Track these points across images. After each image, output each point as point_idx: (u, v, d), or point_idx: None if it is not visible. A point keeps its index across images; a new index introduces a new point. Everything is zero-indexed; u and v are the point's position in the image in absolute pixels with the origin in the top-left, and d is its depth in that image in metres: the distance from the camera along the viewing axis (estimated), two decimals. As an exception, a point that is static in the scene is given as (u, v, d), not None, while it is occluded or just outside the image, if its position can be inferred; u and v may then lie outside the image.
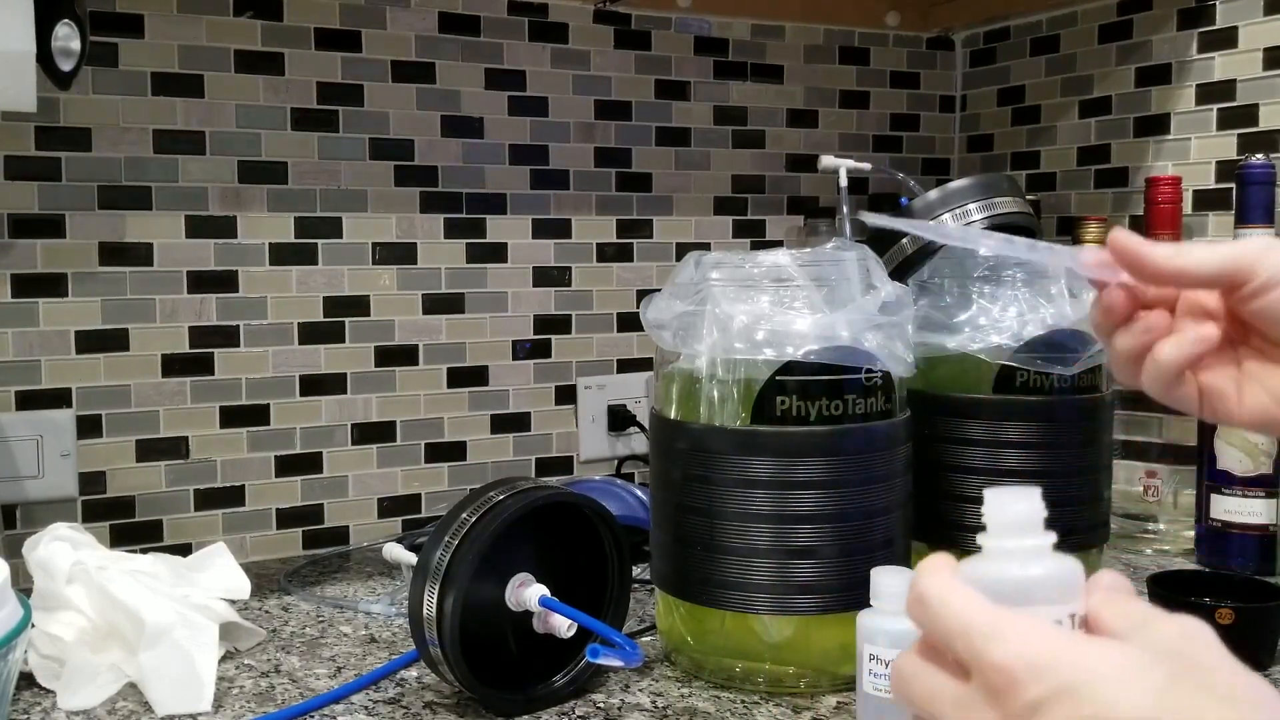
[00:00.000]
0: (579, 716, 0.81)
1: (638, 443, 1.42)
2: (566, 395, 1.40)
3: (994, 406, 0.98)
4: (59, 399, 1.15)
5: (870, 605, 0.73)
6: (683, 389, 0.86)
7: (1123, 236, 0.56)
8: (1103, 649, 0.39)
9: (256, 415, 1.23)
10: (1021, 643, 0.39)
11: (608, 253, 1.41)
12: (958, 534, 0.98)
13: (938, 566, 0.43)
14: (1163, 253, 0.55)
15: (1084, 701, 0.37)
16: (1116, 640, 0.40)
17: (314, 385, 1.26)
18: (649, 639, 0.94)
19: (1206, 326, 0.57)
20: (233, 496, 1.23)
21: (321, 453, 1.27)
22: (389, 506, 1.31)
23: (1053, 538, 0.44)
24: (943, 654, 0.42)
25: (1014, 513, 0.44)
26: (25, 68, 0.88)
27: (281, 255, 1.23)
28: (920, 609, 0.43)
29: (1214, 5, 1.31)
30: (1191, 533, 1.17)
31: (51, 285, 1.14)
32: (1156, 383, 0.58)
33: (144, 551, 0.97)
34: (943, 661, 0.42)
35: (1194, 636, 0.40)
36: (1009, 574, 0.43)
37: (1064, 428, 0.99)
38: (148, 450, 1.19)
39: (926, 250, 1.03)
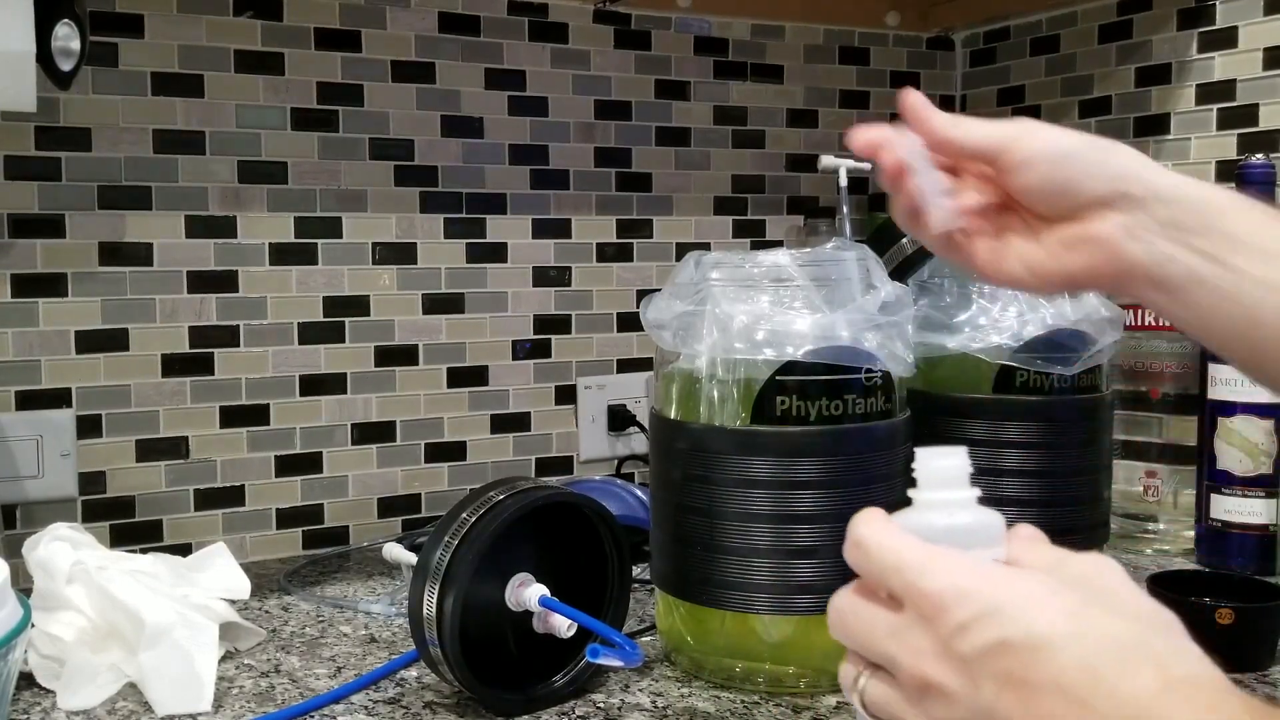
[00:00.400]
0: (579, 716, 0.81)
1: (638, 443, 1.42)
2: (566, 395, 1.40)
3: (994, 406, 0.98)
4: (59, 399, 1.15)
5: (870, 605, 0.72)
6: (683, 389, 0.86)
7: (913, 96, 0.63)
8: (1022, 577, 0.44)
9: (256, 415, 1.23)
10: (949, 574, 0.44)
11: (608, 253, 1.41)
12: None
13: (873, 516, 0.47)
14: (941, 120, 0.62)
15: (1005, 621, 0.42)
16: (1034, 571, 0.45)
17: (314, 385, 1.26)
18: (649, 639, 0.94)
19: (967, 195, 0.63)
20: (233, 496, 1.23)
21: (321, 453, 1.27)
22: (389, 506, 1.31)
23: (977, 492, 0.48)
24: (876, 593, 0.46)
25: (941, 468, 0.48)
26: (25, 68, 0.88)
27: (281, 255, 1.23)
28: (858, 552, 0.47)
29: (1214, 5, 1.31)
30: (1191, 533, 1.17)
31: (51, 285, 1.14)
32: (928, 241, 0.65)
33: (144, 551, 0.97)
34: (877, 599, 0.46)
35: (1103, 570, 0.45)
36: (937, 523, 0.47)
37: (1064, 428, 0.99)
38: (148, 450, 1.19)
39: (926, 250, 1.03)
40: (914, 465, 0.49)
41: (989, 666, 0.42)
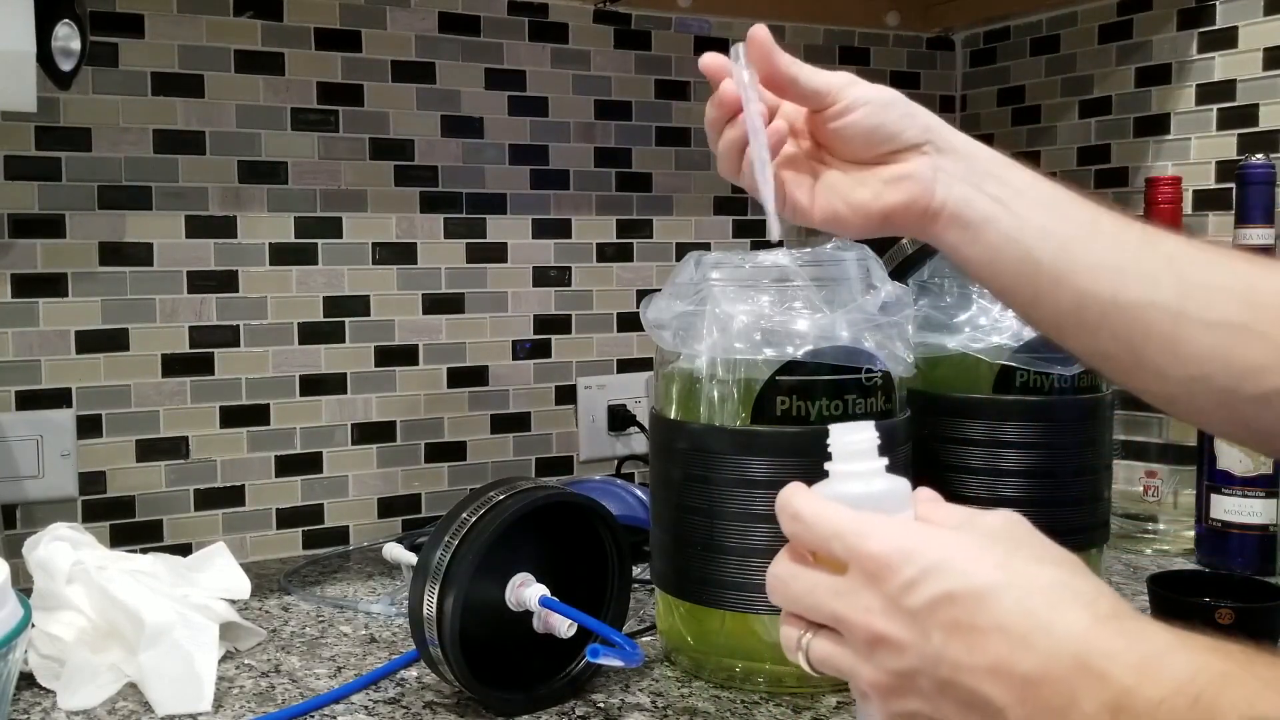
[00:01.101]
0: (579, 716, 0.81)
1: (638, 443, 1.42)
2: (566, 395, 1.40)
3: (994, 406, 0.98)
4: (59, 399, 1.15)
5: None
6: (683, 389, 0.86)
7: (761, 32, 0.66)
8: (953, 536, 0.48)
9: (256, 415, 1.23)
10: (889, 536, 0.48)
11: (608, 253, 1.41)
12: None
13: (800, 488, 0.52)
14: (783, 59, 0.66)
15: (948, 576, 0.46)
16: (959, 530, 0.49)
17: (314, 385, 1.26)
18: (649, 639, 0.94)
19: (782, 127, 0.68)
20: (233, 496, 1.23)
21: (321, 453, 1.27)
22: (389, 506, 1.31)
23: (885, 461, 0.52)
24: (808, 558, 0.51)
25: (854, 441, 0.52)
26: (25, 68, 0.88)
27: (281, 255, 1.23)
28: (795, 523, 0.51)
29: (1214, 5, 1.31)
30: (1191, 533, 1.17)
31: (51, 285, 1.14)
32: (746, 178, 0.68)
33: (144, 551, 0.97)
34: (811, 564, 0.50)
35: (1016, 523, 0.49)
36: (856, 490, 0.51)
37: (1064, 428, 0.99)
38: (148, 450, 1.19)
39: (926, 250, 1.03)
40: (828, 441, 0.53)
41: (936, 617, 0.46)
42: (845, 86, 0.67)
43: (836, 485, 0.52)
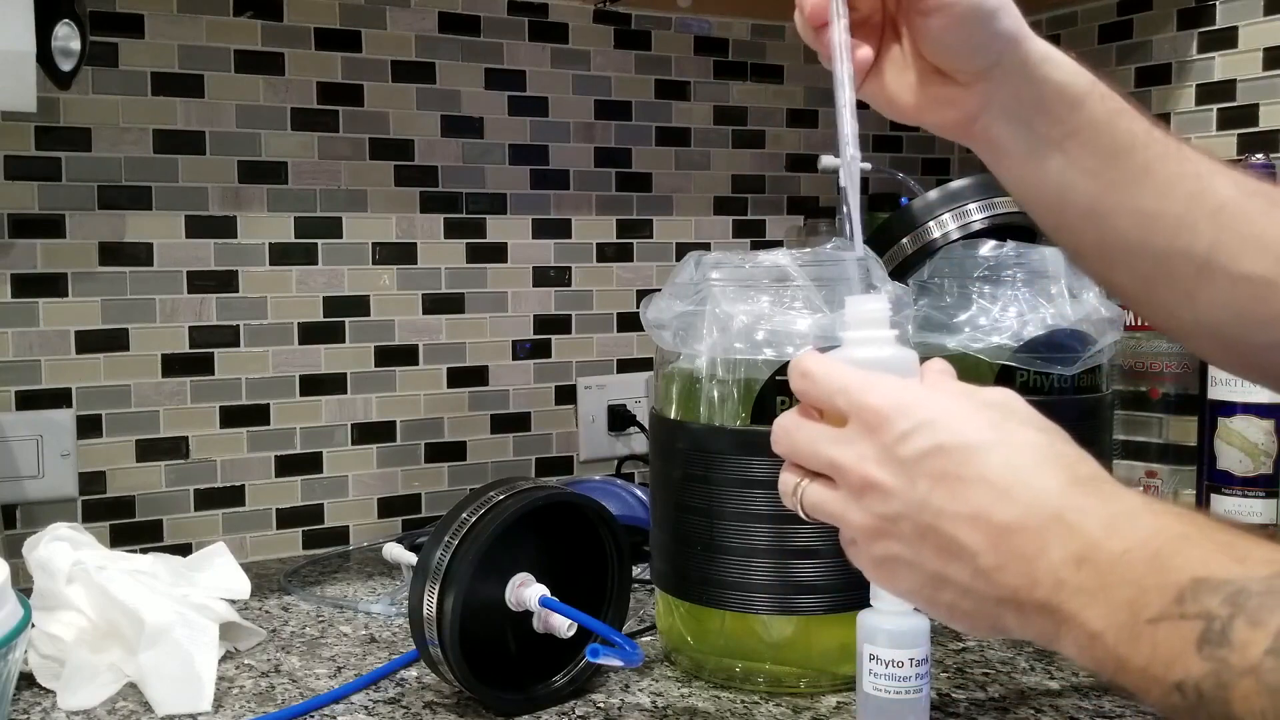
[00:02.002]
0: (579, 716, 0.81)
1: (638, 443, 1.42)
2: (566, 395, 1.40)
3: (994, 406, 0.98)
4: (59, 399, 1.15)
5: (870, 605, 0.73)
6: (683, 389, 0.86)
7: None
8: (951, 396, 0.51)
9: (256, 415, 1.23)
10: (890, 391, 0.50)
11: (608, 253, 1.41)
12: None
13: (813, 352, 0.54)
14: None
15: (941, 430, 0.49)
16: (958, 394, 0.51)
17: (314, 385, 1.26)
18: (649, 639, 0.94)
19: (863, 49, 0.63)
20: (233, 496, 1.23)
21: (321, 453, 1.27)
22: (389, 506, 1.31)
23: (896, 332, 0.55)
24: (815, 416, 0.53)
25: (867, 310, 0.55)
26: (25, 68, 0.88)
27: (281, 255, 1.23)
28: (804, 380, 0.53)
29: (1214, 5, 1.31)
30: (1191, 533, 1.17)
31: (51, 285, 1.14)
32: (816, 40, 0.64)
33: (144, 551, 0.97)
34: (817, 418, 0.53)
35: (1010, 395, 0.51)
36: (866, 355, 0.54)
37: (1064, 427, 0.98)
38: (148, 450, 1.19)
39: (926, 250, 1.03)
40: (843, 312, 0.56)
41: (925, 467, 0.48)
42: None
43: (848, 350, 0.55)
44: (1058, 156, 0.64)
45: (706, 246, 1.46)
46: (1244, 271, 0.61)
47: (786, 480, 0.54)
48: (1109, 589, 0.44)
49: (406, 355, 1.31)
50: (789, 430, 0.54)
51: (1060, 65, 0.64)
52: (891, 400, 0.50)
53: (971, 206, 1.06)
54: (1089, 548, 0.45)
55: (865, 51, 0.63)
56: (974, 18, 0.61)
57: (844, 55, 0.62)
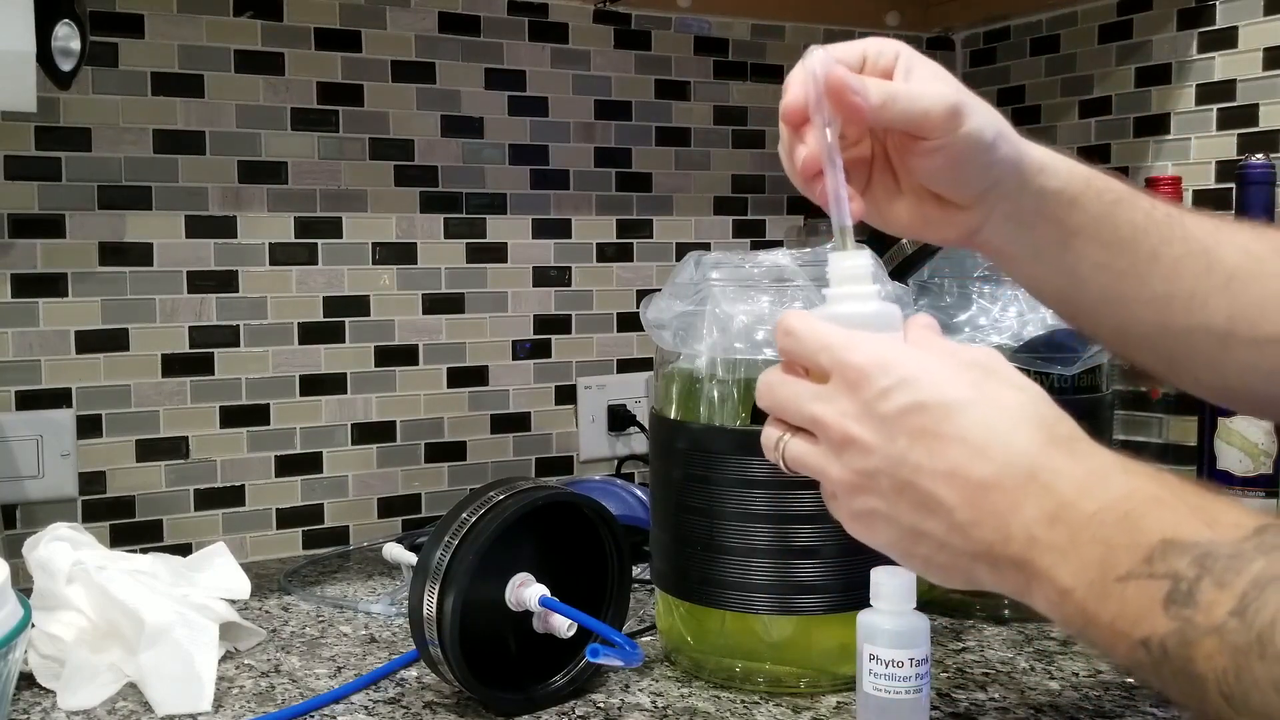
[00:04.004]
0: (579, 716, 0.81)
1: (638, 443, 1.42)
2: (566, 395, 1.40)
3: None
4: (59, 399, 1.15)
5: (870, 605, 0.73)
6: (683, 389, 0.86)
7: (835, 76, 0.55)
8: (932, 354, 0.51)
9: (256, 415, 1.23)
10: (871, 349, 0.51)
11: (608, 253, 1.41)
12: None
13: (797, 310, 0.55)
14: (875, 96, 0.56)
15: (921, 388, 0.49)
16: (940, 352, 0.52)
17: (314, 385, 1.26)
18: (649, 639, 0.94)
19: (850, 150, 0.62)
20: (233, 496, 1.23)
21: (321, 453, 1.27)
22: (389, 506, 1.31)
23: (879, 288, 0.55)
24: (800, 373, 0.54)
25: (850, 267, 0.55)
26: (25, 68, 0.88)
27: (281, 255, 1.23)
28: (789, 338, 0.53)
29: (1214, 5, 1.31)
30: (1191, 533, 1.17)
31: (51, 285, 1.14)
32: (795, 176, 0.61)
33: (144, 551, 0.97)
34: (802, 374, 0.53)
35: (993, 355, 0.52)
36: (849, 311, 0.54)
37: (1064, 428, 0.98)
38: (148, 450, 1.19)
39: (926, 250, 1.03)
40: (826, 269, 0.56)
41: (904, 423, 0.49)
42: (950, 121, 0.58)
43: (832, 307, 0.55)
44: (1063, 255, 0.65)
45: (706, 246, 1.46)
46: (1267, 335, 0.61)
47: (769, 435, 0.55)
48: (1080, 547, 0.45)
49: (406, 355, 1.31)
50: (773, 386, 0.55)
51: (1056, 172, 0.64)
52: (873, 357, 0.50)
53: (971, 206, 1.06)
54: (1062, 506, 0.46)
55: (859, 205, 0.59)
56: (972, 152, 0.60)
57: (842, 207, 0.57)
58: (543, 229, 1.37)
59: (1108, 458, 0.48)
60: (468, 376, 1.34)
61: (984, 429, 0.48)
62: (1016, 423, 0.48)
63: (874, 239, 1.08)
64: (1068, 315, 0.69)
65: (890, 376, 0.50)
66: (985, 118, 0.60)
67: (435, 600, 0.77)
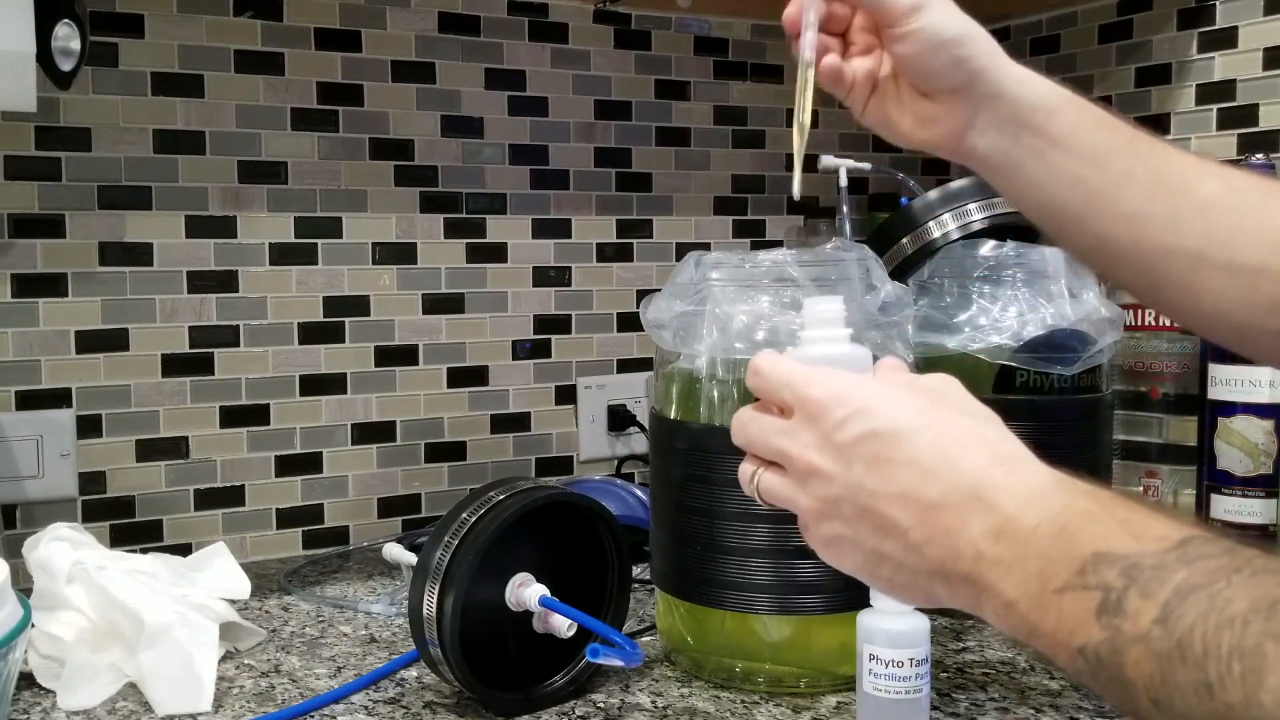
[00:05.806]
0: (579, 716, 0.81)
1: (638, 443, 1.42)
2: (566, 395, 1.40)
3: (994, 406, 0.96)
4: (59, 399, 1.15)
5: (870, 605, 0.73)
6: (683, 389, 0.86)
7: None
8: (885, 385, 0.54)
9: (256, 415, 1.23)
10: (828, 383, 0.54)
11: (608, 253, 1.41)
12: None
13: (768, 351, 0.58)
14: None
15: (874, 417, 0.52)
16: (894, 383, 0.55)
17: (314, 385, 1.26)
18: (649, 639, 0.94)
19: (858, 62, 0.71)
20: (233, 496, 1.23)
21: (321, 453, 1.27)
22: (389, 506, 1.31)
23: (850, 332, 0.59)
24: (772, 409, 0.57)
25: (821, 311, 0.59)
26: (25, 68, 0.88)
27: (281, 255, 1.23)
28: (756, 377, 0.57)
29: (1214, 5, 1.31)
30: (1191, 533, 1.17)
31: (51, 285, 1.14)
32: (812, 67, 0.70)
33: (144, 551, 0.97)
34: (775, 412, 0.56)
35: (947, 382, 0.55)
36: (819, 353, 0.58)
37: (1064, 428, 0.99)
38: (148, 450, 1.19)
39: (926, 250, 1.03)
40: (800, 313, 0.59)
41: (860, 451, 0.52)
42: (910, 12, 0.68)
43: (804, 349, 0.59)
44: (1042, 167, 0.69)
45: (706, 246, 1.46)
46: (1239, 262, 0.64)
47: (745, 469, 0.58)
48: (1022, 560, 0.47)
49: (406, 355, 1.31)
50: (744, 423, 0.58)
51: (1035, 85, 0.70)
52: (830, 391, 0.53)
53: (971, 206, 1.06)
54: (1005, 522, 0.48)
55: (832, 58, 0.70)
56: (935, 43, 0.68)
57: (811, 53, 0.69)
58: (543, 229, 1.37)
59: (1047, 475, 0.50)
60: (468, 376, 1.34)
61: (932, 452, 0.51)
62: (963, 445, 0.51)
63: (874, 238, 1.08)
64: (1053, 231, 0.72)
65: (846, 407, 0.52)
66: (947, 16, 0.69)
67: (435, 600, 0.77)
